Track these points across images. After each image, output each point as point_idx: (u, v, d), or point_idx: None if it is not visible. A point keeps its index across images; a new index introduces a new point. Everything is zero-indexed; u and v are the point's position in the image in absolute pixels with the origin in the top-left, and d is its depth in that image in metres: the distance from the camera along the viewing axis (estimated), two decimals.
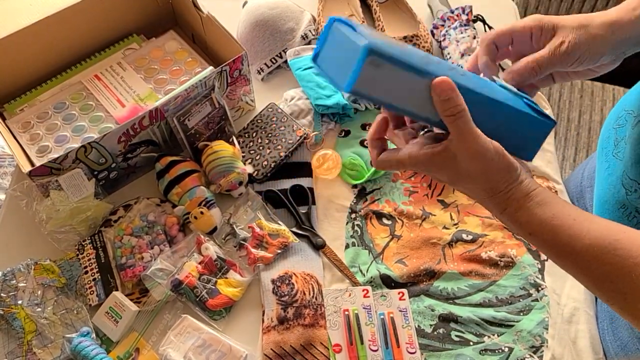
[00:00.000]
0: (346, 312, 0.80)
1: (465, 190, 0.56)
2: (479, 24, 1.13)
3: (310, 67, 1.01)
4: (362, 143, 0.97)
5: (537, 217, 0.51)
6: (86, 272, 0.83)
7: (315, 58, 0.56)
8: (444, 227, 0.90)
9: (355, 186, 0.94)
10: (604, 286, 0.48)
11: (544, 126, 0.59)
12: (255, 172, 0.93)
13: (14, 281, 0.81)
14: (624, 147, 0.69)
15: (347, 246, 0.88)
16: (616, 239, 0.47)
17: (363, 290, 0.82)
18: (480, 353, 0.78)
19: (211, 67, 0.98)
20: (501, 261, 0.86)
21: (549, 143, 0.99)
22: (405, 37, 1.05)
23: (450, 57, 1.06)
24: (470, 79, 0.55)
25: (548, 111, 1.03)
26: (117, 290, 0.81)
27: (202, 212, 0.85)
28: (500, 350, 0.78)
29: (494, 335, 0.79)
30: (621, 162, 0.68)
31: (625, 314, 0.48)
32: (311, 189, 0.93)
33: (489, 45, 0.60)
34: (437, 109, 0.51)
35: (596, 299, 0.84)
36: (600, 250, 0.47)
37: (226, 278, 0.83)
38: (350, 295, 0.82)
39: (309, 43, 1.09)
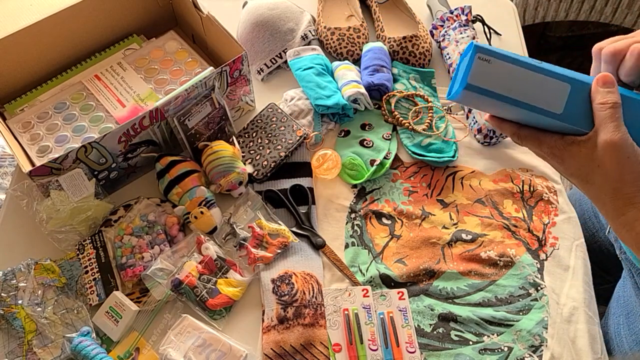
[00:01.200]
0: (346, 312, 0.81)
1: (588, 186, 0.55)
2: (478, 25, 1.13)
3: (310, 68, 1.01)
4: (361, 143, 0.98)
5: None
6: (86, 272, 0.83)
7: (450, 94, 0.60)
8: (444, 227, 0.90)
9: (354, 186, 0.95)
10: None
11: None
12: (255, 172, 0.93)
13: (15, 281, 0.81)
14: None
15: (346, 246, 0.88)
16: None
17: (363, 290, 0.83)
18: (479, 352, 0.78)
19: (211, 68, 0.98)
20: (500, 261, 0.86)
21: None
22: (404, 38, 1.06)
23: (449, 58, 1.06)
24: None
25: None
26: (117, 290, 0.81)
27: (202, 212, 0.85)
28: (499, 350, 0.78)
29: (493, 334, 0.80)
30: None
31: None
32: (311, 189, 0.93)
33: (607, 57, 0.58)
34: (595, 100, 0.52)
35: (608, 296, 0.83)
36: None
37: (226, 278, 0.83)
38: (350, 294, 0.82)
39: (309, 43, 1.09)
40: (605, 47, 0.57)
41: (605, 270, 0.96)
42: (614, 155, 0.51)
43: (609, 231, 0.90)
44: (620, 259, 0.83)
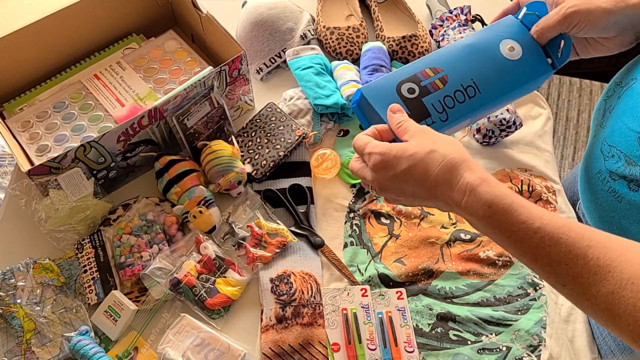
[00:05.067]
0: (344, 311, 0.81)
1: (415, 201, 0.58)
2: (477, 24, 1.13)
3: (309, 67, 1.01)
4: None
5: (491, 192, 0.50)
6: (85, 271, 0.83)
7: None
8: (442, 227, 0.90)
9: (353, 185, 0.95)
10: (558, 269, 0.46)
11: (539, 77, 0.68)
12: (254, 172, 0.93)
13: (13, 280, 0.81)
14: (608, 117, 0.72)
15: (345, 245, 0.89)
16: (569, 223, 0.47)
17: (361, 290, 0.83)
18: (478, 352, 0.78)
19: (210, 67, 0.98)
20: (499, 260, 0.86)
21: (546, 143, 0.99)
22: (404, 37, 1.06)
23: None
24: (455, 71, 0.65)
25: (545, 111, 1.04)
26: (116, 289, 0.81)
27: (201, 212, 0.85)
28: (498, 350, 0.79)
29: (491, 334, 0.80)
30: (604, 130, 0.72)
31: (579, 301, 0.46)
32: (310, 189, 0.93)
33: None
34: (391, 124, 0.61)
35: None
36: (555, 230, 0.46)
37: (225, 277, 0.83)
38: (348, 294, 0.82)
39: (308, 43, 1.09)
40: None
41: None
42: (408, 160, 0.54)
43: (578, 207, 0.93)
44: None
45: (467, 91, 0.64)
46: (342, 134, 1.00)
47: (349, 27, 1.09)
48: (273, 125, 0.97)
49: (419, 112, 0.62)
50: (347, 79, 1.00)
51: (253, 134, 0.98)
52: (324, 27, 1.10)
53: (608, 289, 0.41)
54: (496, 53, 0.66)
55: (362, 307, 0.81)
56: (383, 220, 0.91)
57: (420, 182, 0.54)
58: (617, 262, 0.42)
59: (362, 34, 1.10)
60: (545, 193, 0.93)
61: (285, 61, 1.07)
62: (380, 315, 0.81)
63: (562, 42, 0.66)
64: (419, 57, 1.06)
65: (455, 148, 0.55)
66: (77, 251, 0.85)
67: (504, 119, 0.92)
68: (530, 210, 0.48)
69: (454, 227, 0.90)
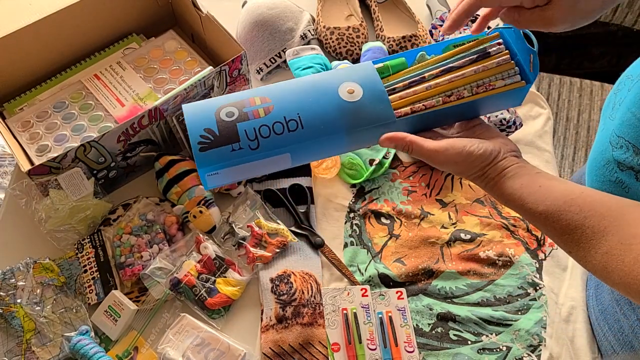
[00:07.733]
0: (345, 311, 0.81)
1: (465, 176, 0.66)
2: None
3: (310, 67, 1.01)
4: None
5: (508, 188, 0.60)
6: (85, 271, 0.83)
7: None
8: (443, 227, 0.90)
9: (354, 185, 0.95)
10: (563, 239, 0.55)
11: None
12: None
13: (13, 280, 0.81)
14: (618, 109, 0.72)
15: (345, 245, 0.88)
16: (571, 198, 0.55)
17: (361, 290, 0.83)
18: (478, 352, 0.78)
19: (210, 67, 0.98)
20: (499, 260, 0.86)
21: (546, 143, 0.99)
22: (404, 37, 1.06)
23: None
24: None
25: (546, 111, 1.04)
26: (116, 289, 0.81)
27: (201, 211, 0.85)
28: (498, 350, 0.78)
29: (492, 334, 0.80)
30: (613, 122, 0.72)
31: (582, 262, 0.55)
32: (310, 188, 0.93)
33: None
34: (398, 148, 0.63)
35: (591, 277, 0.86)
36: (557, 209, 0.55)
37: (225, 277, 0.83)
38: (348, 294, 0.82)
39: (308, 43, 1.09)
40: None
41: None
42: (448, 167, 0.63)
43: None
44: None
45: (288, 124, 0.60)
46: None
47: (349, 27, 1.09)
48: None
49: (228, 136, 0.59)
50: None
51: None
52: (324, 27, 1.10)
53: (603, 250, 0.51)
54: (333, 93, 0.63)
55: (362, 307, 0.81)
56: (383, 220, 0.91)
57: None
58: (609, 227, 0.52)
59: (362, 34, 1.10)
60: None
61: (285, 61, 1.07)
62: (380, 315, 0.81)
63: (532, 56, 0.64)
64: None
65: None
66: (77, 251, 0.85)
67: (504, 119, 0.92)
68: (536, 197, 0.58)
69: (454, 227, 0.90)
